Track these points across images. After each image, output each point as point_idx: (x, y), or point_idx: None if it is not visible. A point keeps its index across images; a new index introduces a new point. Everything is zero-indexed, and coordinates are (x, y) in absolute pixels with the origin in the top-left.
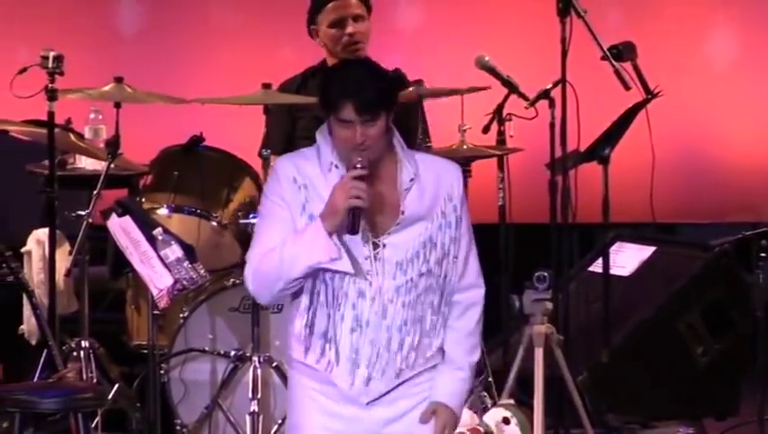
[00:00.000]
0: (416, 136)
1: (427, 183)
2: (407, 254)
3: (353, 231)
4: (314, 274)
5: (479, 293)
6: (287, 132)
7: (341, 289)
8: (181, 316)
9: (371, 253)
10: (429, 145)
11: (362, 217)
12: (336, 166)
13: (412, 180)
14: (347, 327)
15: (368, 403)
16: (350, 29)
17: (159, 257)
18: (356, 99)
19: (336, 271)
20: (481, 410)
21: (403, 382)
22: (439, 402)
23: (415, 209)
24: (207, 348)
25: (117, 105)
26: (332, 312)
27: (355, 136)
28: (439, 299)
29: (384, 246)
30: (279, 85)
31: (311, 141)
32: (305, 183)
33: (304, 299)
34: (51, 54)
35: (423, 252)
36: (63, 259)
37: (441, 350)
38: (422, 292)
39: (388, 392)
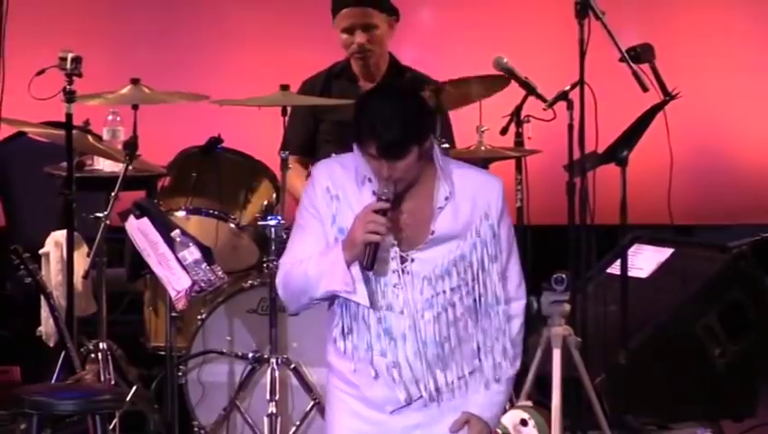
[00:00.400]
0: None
1: (463, 202)
2: (436, 271)
3: (368, 268)
4: None
5: (520, 305)
6: (308, 134)
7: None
8: (198, 317)
9: (399, 267)
10: (446, 147)
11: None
12: (369, 180)
13: (447, 199)
14: (374, 338)
15: (392, 412)
16: (358, 38)
17: (177, 259)
18: (380, 140)
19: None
20: None
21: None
22: (473, 414)
23: (445, 229)
24: (225, 350)
25: (135, 106)
26: (360, 322)
27: (382, 170)
28: (475, 316)
29: (412, 260)
30: (302, 84)
31: (333, 145)
32: (338, 193)
33: (337, 308)
34: (70, 56)
35: (455, 269)
36: (81, 261)
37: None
38: (455, 308)
39: (413, 404)
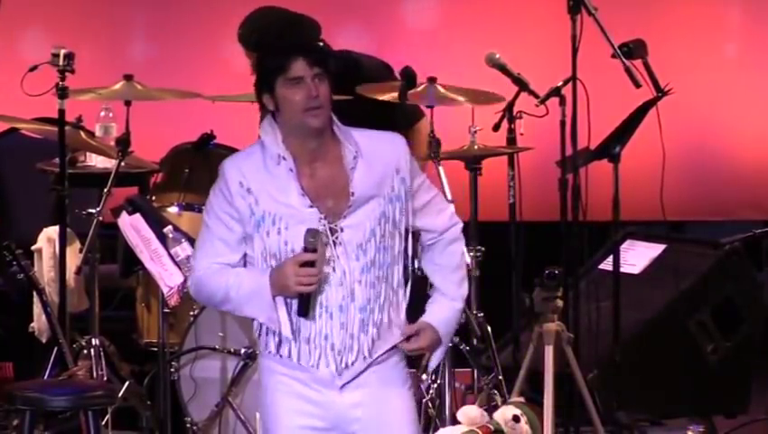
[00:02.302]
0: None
1: (372, 159)
2: (365, 233)
3: (303, 315)
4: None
5: (457, 229)
6: None
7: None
8: (191, 313)
9: (330, 239)
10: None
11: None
12: (284, 158)
13: (355, 157)
14: (315, 314)
15: (342, 386)
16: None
17: (169, 255)
18: (306, 52)
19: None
20: (491, 407)
21: (374, 363)
22: (428, 323)
23: (364, 188)
24: (217, 346)
25: (128, 103)
26: (291, 326)
27: (310, 91)
28: (396, 274)
29: (342, 230)
30: None
31: None
32: (249, 185)
33: None
34: (62, 52)
35: (378, 229)
36: (74, 258)
37: (399, 327)
38: (382, 268)
39: (360, 375)
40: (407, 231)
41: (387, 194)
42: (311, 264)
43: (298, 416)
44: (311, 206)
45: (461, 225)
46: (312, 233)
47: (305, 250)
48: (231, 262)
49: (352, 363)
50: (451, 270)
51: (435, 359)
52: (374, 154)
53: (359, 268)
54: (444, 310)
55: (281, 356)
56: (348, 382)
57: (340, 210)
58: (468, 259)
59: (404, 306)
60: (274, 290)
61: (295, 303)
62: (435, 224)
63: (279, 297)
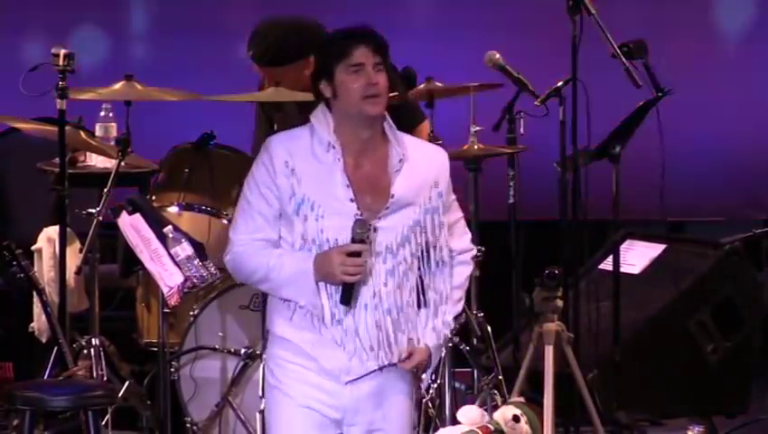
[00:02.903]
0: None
1: (416, 166)
2: (397, 238)
3: (345, 303)
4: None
5: (471, 254)
6: (267, 131)
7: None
8: (191, 313)
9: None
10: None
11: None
12: (333, 147)
13: (401, 161)
14: (334, 308)
15: (347, 383)
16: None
17: (169, 255)
18: (369, 40)
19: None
20: (491, 407)
21: (385, 366)
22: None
23: (404, 191)
24: (217, 346)
25: (128, 103)
26: (321, 292)
27: (369, 78)
28: (417, 283)
29: (375, 230)
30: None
31: None
32: (294, 165)
33: None
34: (62, 52)
35: (412, 236)
36: (74, 257)
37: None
38: (406, 276)
39: (369, 374)
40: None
41: (423, 204)
42: (357, 254)
43: (305, 398)
44: (351, 200)
45: (474, 252)
46: (360, 224)
47: (353, 240)
48: (270, 238)
49: (368, 363)
50: (452, 288)
51: (427, 375)
52: (418, 162)
53: (384, 272)
54: (433, 327)
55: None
56: (357, 379)
57: (377, 209)
58: None
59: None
60: (317, 276)
61: (335, 291)
62: (457, 244)
63: (321, 283)
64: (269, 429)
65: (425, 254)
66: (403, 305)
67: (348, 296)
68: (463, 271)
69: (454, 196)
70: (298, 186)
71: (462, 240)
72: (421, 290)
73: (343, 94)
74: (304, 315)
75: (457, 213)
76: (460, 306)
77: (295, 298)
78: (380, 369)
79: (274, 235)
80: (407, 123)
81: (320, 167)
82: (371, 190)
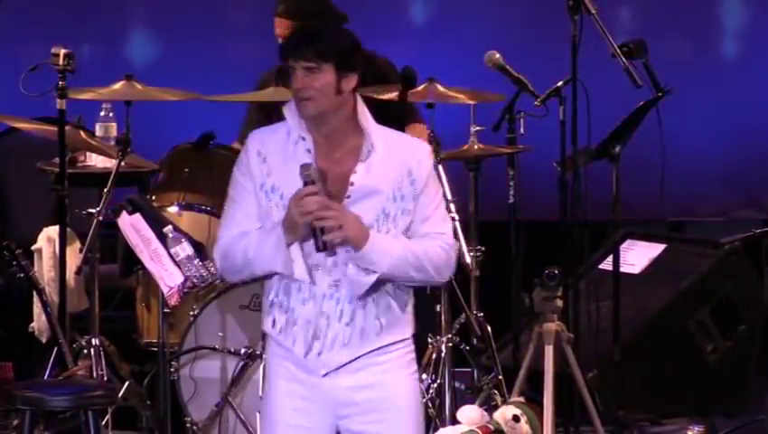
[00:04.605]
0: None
1: (390, 157)
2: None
3: (321, 250)
4: None
5: (443, 237)
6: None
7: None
8: (191, 313)
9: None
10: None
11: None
12: (303, 138)
13: (369, 152)
14: (300, 299)
15: (324, 375)
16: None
17: (169, 254)
18: (295, 45)
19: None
20: (491, 407)
21: (364, 355)
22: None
23: (366, 181)
24: (217, 346)
25: (128, 103)
26: (288, 284)
27: (296, 83)
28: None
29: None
30: (260, 76)
31: None
32: (266, 155)
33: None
34: (62, 52)
35: (376, 224)
36: (74, 257)
37: (400, 325)
38: None
39: (348, 364)
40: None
41: (392, 192)
42: (314, 194)
43: (291, 399)
44: None
45: (453, 245)
46: (305, 167)
47: (305, 184)
48: (250, 231)
49: (326, 352)
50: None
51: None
52: (393, 153)
53: (347, 259)
54: (390, 239)
55: (277, 331)
56: (334, 370)
57: (339, 197)
58: (468, 259)
59: (408, 305)
60: (287, 238)
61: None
62: (431, 228)
63: (295, 245)
64: (263, 428)
65: None
66: (374, 294)
67: (319, 241)
68: (430, 244)
69: (437, 190)
70: (268, 176)
71: (437, 226)
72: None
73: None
74: (273, 307)
75: (436, 203)
76: (411, 259)
77: (272, 267)
78: (354, 360)
79: (254, 227)
80: (401, 120)
81: (291, 159)
82: (337, 179)
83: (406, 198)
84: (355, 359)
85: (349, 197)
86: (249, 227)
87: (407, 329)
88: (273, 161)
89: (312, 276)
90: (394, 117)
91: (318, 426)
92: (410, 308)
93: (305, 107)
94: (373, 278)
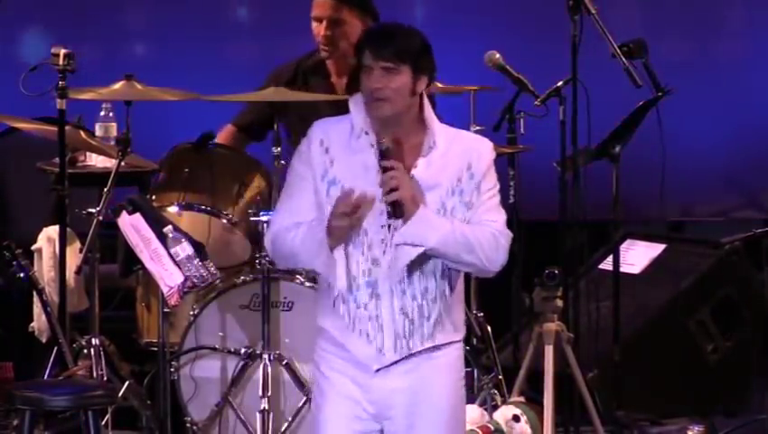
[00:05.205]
0: None
1: (449, 154)
2: None
3: (398, 217)
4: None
5: (497, 225)
6: (259, 118)
7: (360, 255)
8: (191, 313)
9: (386, 222)
10: None
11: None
12: (366, 133)
13: (430, 148)
14: (363, 295)
15: (377, 370)
16: (322, 31)
17: (169, 254)
18: (374, 44)
19: (349, 241)
20: (491, 407)
21: (417, 353)
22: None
23: (426, 176)
24: (217, 346)
25: (128, 103)
26: (353, 276)
27: (371, 82)
28: (452, 271)
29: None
30: (273, 69)
31: (295, 139)
32: (329, 145)
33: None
34: (62, 52)
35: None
36: (74, 257)
37: (455, 324)
38: (434, 260)
39: (400, 361)
40: None
41: (451, 186)
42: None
43: (346, 389)
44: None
45: (505, 233)
46: (379, 142)
47: (380, 152)
48: (305, 222)
49: (394, 350)
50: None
51: (403, 233)
52: (453, 147)
53: (408, 255)
54: (441, 217)
55: (336, 315)
56: (388, 367)
57: None
58: None
59: (460, 304)
60: (329, 241)
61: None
62: (486, 217)
63: (339, 249)
64: (316, 421)
65: None
66: (430, 289)
67: (394, 211)
68: (480, 228)
69: (494, 186)
70: (330, 166)
71: (489, 214)
72: (448, 275)
73: (361, 91)
74: (336, 300)
75: (491, 194)
76: (459, 238)
77: (312, 266)
78: (408, 357)
79: (309, 217)
80: None
81: (354, 152)
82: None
83: (465, 192)
84: (408, 357)
85: (404, 221)
86: (303, 217)
87: (458, 331)
88: (336, 151)
89: (350, 284)
90: None
91: (366, 427)
92: (462, 309)
93: (380, 107)
94: (421, 249)
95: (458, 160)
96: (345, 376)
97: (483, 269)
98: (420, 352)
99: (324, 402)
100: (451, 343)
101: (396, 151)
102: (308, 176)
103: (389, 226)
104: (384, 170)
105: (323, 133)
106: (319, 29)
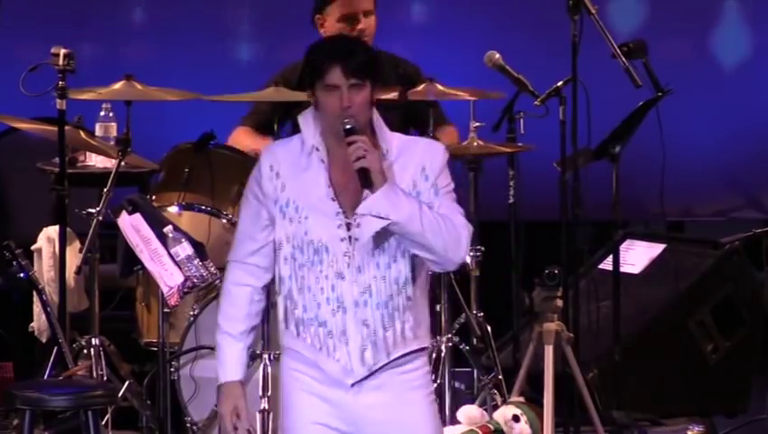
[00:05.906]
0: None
1: (405, 160)
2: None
3: (368, 187)
4: (289, 263)
5: (463, 223)
6: (269, 115)
7: (320, 273)
8: (191, 313)
9: (346, 234)
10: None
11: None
12: (317, 149)
13: (383, 156)
14: (329, 309)
15: (352, 385)
16: (360, 25)
17: (169, 254)
18: (344, 62)
19: (304, 263)
20: (491, 407)
21: (389, 364)
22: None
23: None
24: None
25: (128, 103)
26: (313, 296)
27: (342, 102)
28: (411, 271)
29: (358, 225)
30: (283, 67)
31: None
32: (278, 170)
33: (283, 287)
34: (62, 51)
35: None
36: (74, 257)
37: (424, 331)
38: (398, 265)
39: (374, 374)
40: None
41: (408, 191)
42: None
43: (315, 412)
44: (333, 199)
45: (465, 226)
46: (340, 117)
47: (345, 130)
48: (259, 265)
49: (368, 361)
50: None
51: (369, 204)
52: (407, 156)
53: (374, 265)
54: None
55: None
56: (362, 381)
57: (355, 200)
58: (468, 259)
59: (425, 314)
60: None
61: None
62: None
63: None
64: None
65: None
66: (400, 299)
67: (363, 180)
68: (447, 220)
69: (449, 184)
70: (282, 190)
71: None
72: (411, 280)
73: (321, 110)
74: (298, 326)
75: (445, 191)
76: (427, 216)
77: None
78: (376, 372)
79: (263, 261)
80: (427, 123)
81: (305, 170)
82: (352, 187)
83: (422, 193)
84: (380, 368)
85: (366, 198)
86: (259, 261)
87: (426, 339)
88: (286, 174)
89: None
90: (422, 120)
91: None
92: (427, 320)
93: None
94: (386, 222)
95: (412, 165)
96: (315, 397)
97: (444, 257)
98: (387, 365)
99: (292, 426)
100: (417, 354)
101: (342, 173)
102: (259, 203)
103: (350, 238)
104: (350, 145)
105: (272, 158)
106: (350, 28)
